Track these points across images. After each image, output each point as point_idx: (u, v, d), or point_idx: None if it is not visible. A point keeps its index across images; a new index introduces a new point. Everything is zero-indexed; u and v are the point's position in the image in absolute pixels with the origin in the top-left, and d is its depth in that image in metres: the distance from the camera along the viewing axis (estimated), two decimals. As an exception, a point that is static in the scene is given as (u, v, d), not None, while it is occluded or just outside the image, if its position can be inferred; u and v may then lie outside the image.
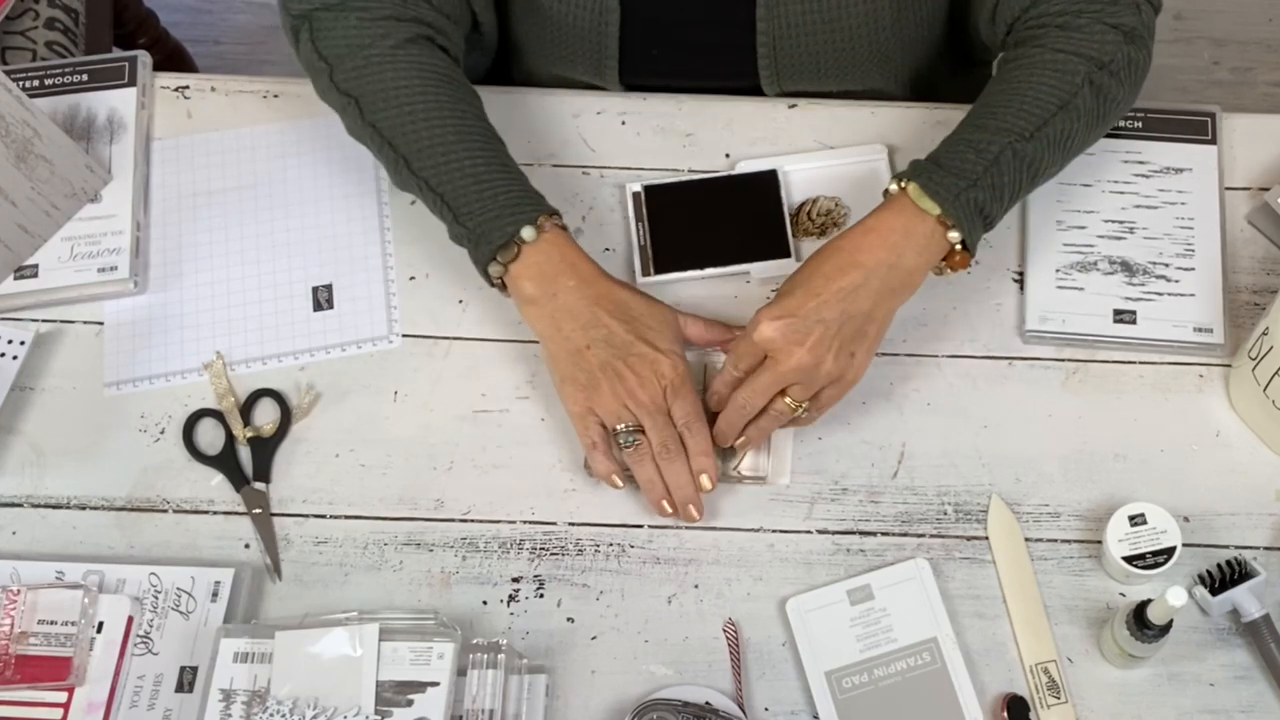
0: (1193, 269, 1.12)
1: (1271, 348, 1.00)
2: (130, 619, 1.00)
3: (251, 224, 1.17)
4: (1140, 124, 1.17)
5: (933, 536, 1.05)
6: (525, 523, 1.06)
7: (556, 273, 1.03)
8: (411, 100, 1.04)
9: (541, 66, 1.22)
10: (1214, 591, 0.98)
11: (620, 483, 1.03)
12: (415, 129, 1.04)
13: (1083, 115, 1.03)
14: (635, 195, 1.16)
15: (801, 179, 1.17)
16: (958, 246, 1.01)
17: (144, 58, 1.24)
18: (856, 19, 1.11)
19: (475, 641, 0.95)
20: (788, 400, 1.00)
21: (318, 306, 1.14)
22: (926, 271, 1.02)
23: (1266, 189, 1.16)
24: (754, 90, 1.21)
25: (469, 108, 1.07)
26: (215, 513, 1.07)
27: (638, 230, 1.15)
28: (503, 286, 1.05)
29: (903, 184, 1.01)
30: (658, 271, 1.13)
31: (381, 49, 1.05)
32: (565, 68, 1.20)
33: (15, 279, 1.14)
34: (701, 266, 1.14)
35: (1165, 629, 0.93)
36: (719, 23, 1.15)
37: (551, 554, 1.04)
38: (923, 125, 1.20)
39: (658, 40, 1.17)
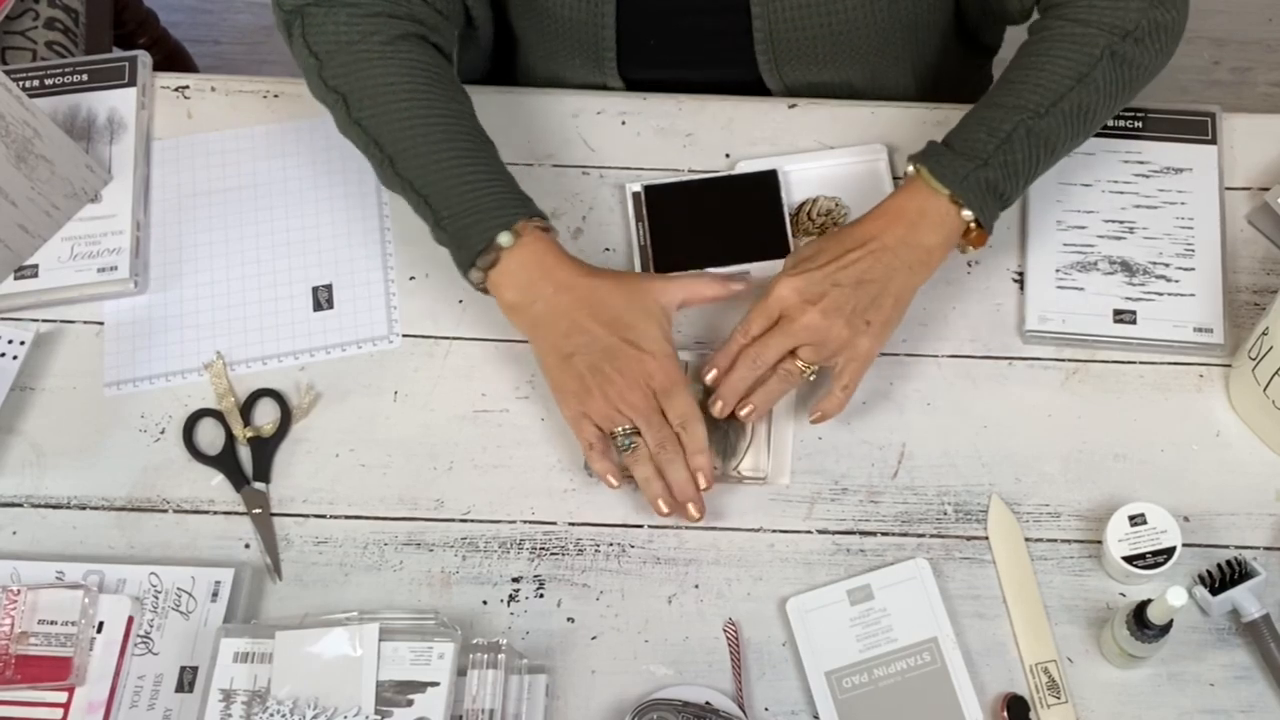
0: (1193, 269, 1.12)
1: (1271, 348, 1.00)
2: (130, 619, 1.00)
3: (251, 224, 1.17)
4: (1140, 124, 1.17)
5: (933, 536, 1.05)
6: (525, 523, 1.06)
7: (535, 279, 1.02)
8: (398, 99, 1.04)
9: (540, 64, 1.22)
10: (1214, 591, 0.98)
11: (615, 482, 1.02)
12: (400, 128, 1.03)
13: (1103, 87, 1.03)
14: (635, 195, 1.16)
15: (801, 179, 1.17)
16: (973, 225, 1.02)
17: (144, 58, 1.24)
18: (852, 2, 1.11)
19: (475, 641, 0.95)
20: (798, 362, 1.00)
21: (318, 306, 1.14)
22: (946, 250, 1.03)
23: (1266, 189, 1.16)
24: (755, 82, 1.20)
25: (459, 108, 1.06)
26: (215, 513, 1.07)
27: (638, 230, 1.15)
28: (486, 291, 1.05)
29: (916, 167, 1.03)
30: (657, 271, 1.13)
31: (370, 45, 1.04)
32: (563, 64, 1.20)
33: (15, 279, 1.14)
34: (701, 266, 1.14)
35: (1165, 629, 0.93)
36: (714, 9, 1.15)
37: (551, 554, 1.04)
38: (923, 125, 1.20)
39: (655, 29, 1.17)
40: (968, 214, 1.02)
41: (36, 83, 1.22)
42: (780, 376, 1.01)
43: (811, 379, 1.02)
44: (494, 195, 1.03)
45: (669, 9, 1.16)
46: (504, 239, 1.01)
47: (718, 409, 1.02)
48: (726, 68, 1.20)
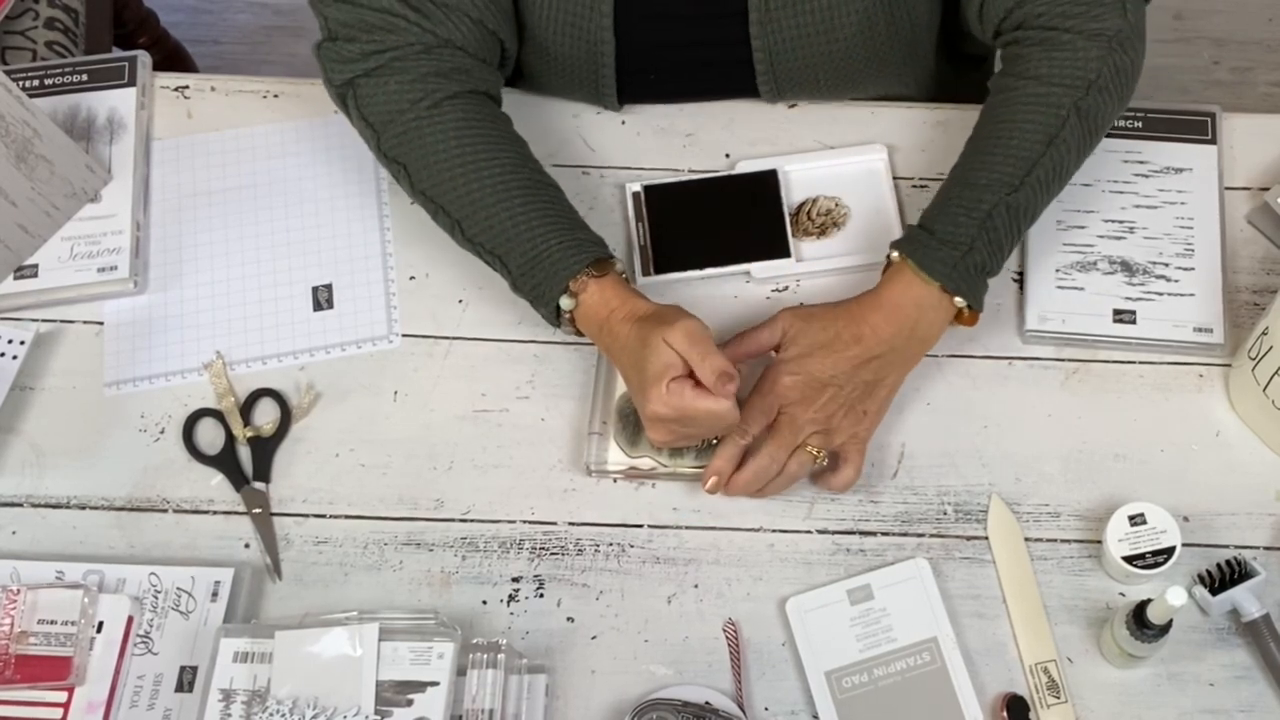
0: (1193, 269, 1.12)
1: (1271, 348, 1.00)
2: (130, 619, 1.00)
3: (251, 224, 1.17)
4: (1140, 124, 1.17)
5: (933, 536, 1.05)
6: (525, 523, 1.06)
7: (596, 334, 1.04)
8: (451, 165, 1.04)
9: (542, 91, 1.22)
10: (1214, 591, 0.98)
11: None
12: (459, 194, 1.04)
13: (1073, 145, 1.03)
14: (635, 195, 1.16)
15: (801, 179, 1.17)
16: (965, 309, 1.03)
17: (144, 58, 1.24)
18: (850, 27, 1.11)
19: (475, 641, 0.95)
20: (809, 449, 1.01)
21: (318, 306, 1.14)
22: (940, 334, 1.04)
23: (1266, 189, 1.16)
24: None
25: (509, 158, 1.06)
26: (215, 512, 1.07)
27: (638, 230, 1.15)
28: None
29: (902, 256, 1.02)
30: (658, 271, 1.13)
31: (419, 111, 1.05)
32: (565, 94, 1.21)
33: (15, 279, 1.14)
34: (701, 266, 1.14)
35: (1165, 629, 0.93)
36: (713, 43, 1.15)
37: (551, 554, 1.04)
38: (923, 125, 1.20)
39: (654, 64, 1.17)
40: (960, 301, 1.02)
41: (36, 83, 1.22)
42: (796, 465, 1.02)
43: (824, 463, 1.03)
44: (552, 254, 1.02)
45: (667, 42, 1.16)
46: (565, 303, 1.02)
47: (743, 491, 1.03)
48: (726, 94, 1.20)
